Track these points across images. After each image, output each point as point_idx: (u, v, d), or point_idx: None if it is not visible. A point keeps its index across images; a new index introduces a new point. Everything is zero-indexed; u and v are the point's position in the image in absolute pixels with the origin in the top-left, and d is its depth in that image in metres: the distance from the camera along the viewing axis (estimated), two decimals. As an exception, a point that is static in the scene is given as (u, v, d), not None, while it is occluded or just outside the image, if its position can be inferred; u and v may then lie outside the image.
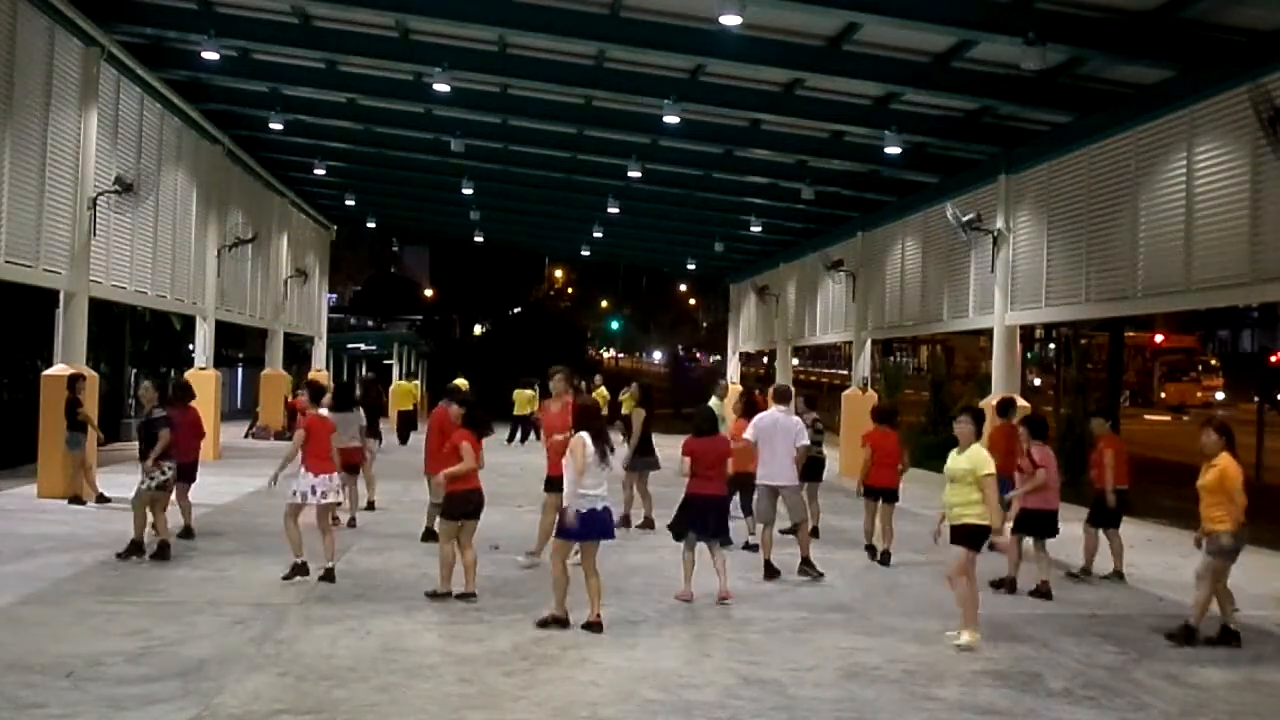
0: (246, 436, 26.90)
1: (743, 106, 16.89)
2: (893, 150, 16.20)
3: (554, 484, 10.04)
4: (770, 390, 11.55)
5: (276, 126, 19.45)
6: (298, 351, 34.93)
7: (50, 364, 15.66)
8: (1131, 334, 46.00)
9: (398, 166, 24.66)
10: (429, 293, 75.26)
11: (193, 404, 11.91)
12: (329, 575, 9.38)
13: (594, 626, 7.95)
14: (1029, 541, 10.18)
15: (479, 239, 36.13)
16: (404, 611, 8.50)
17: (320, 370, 31.58)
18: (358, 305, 66.26)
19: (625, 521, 12.75)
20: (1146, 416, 40.90)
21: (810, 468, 12.36)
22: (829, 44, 13.81)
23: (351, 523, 12.78)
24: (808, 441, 10.87)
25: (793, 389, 13.23)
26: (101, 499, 13.98)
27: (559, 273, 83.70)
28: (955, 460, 8.15)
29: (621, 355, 79.39)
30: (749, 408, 11.97)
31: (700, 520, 9.37)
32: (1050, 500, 10.11)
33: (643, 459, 13.28)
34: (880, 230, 22.33)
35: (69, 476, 14.25)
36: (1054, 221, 15.43)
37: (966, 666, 7.44)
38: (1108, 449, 10.74)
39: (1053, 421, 17.70)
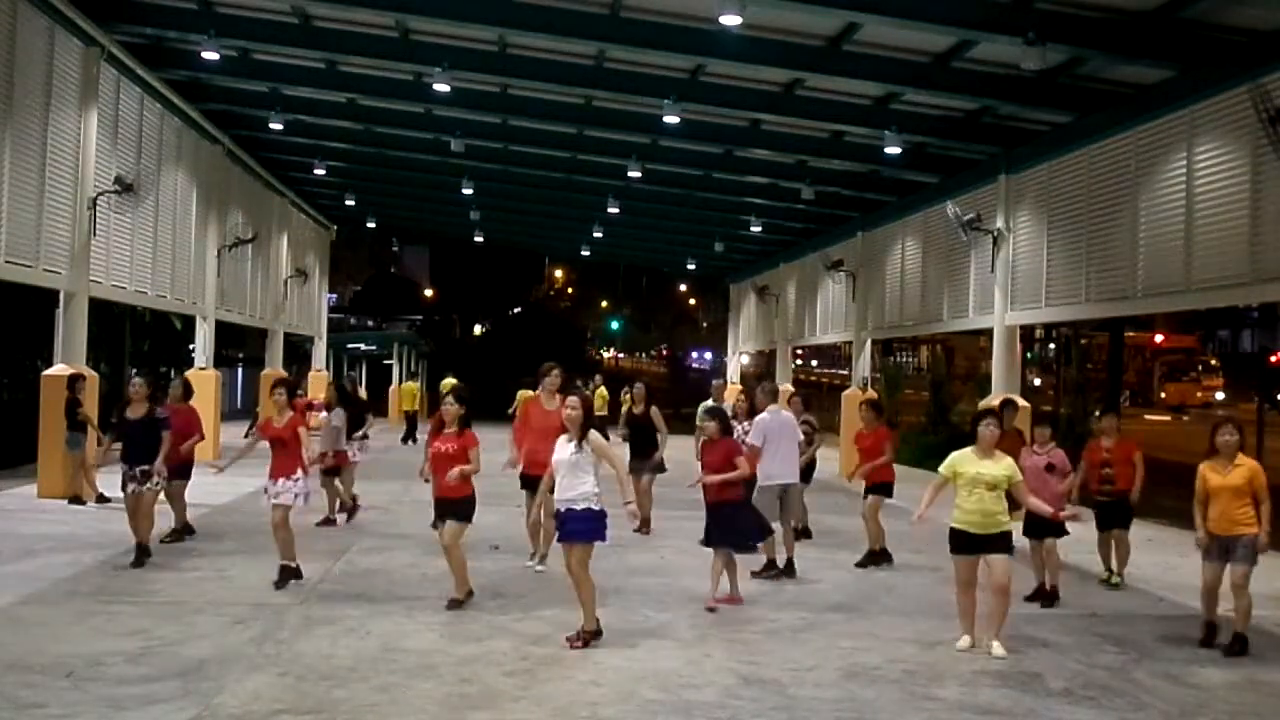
0: (246, 436, 26.87)
1: (743, 106, 16.90)
2: (893, 150, 16.21)
3: (530, 482, 9.89)
4: (760, 389, 11.44)
5: (276, 126, 19.46)
6: (298, 351, 34.97)
7: (50, 364, 15.67)
8: (1131, 334, 46.04)
9: (398, 166, 24.68)
10: (429, 293, 75.37)
11: (184, 404, 11.83)
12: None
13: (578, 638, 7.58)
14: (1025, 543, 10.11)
15: (479, 239, 36.17)
16: (404, 611, 8.49)
17: (320, 370, 31.62)
18: (358, 305, 66.38)
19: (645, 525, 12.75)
20: (1146, 416, 40.92)
21: (802, 471, 12.35)
22: (829, 44, 13.81)
23: (329, 521, 12.84)
24: (801, 437, 10.85)
25: (778, 388, 13.20)
26: (101, 499, 13.97)
27: (559, 273, 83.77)
28: (992, 468, 7.81)
29: (621, 355, 79.41)
30: (750, 410, 11.91)
31: (729, 526, 9.01)
32: (1047, 500, 10.03)
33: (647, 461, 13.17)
34: (880, 230, 22.33)
35: (69, 476, 14.26)
36: (1054, 221, 15.43)
37: (967, 666, 7.43)
38: (1136, 449, 10.59)
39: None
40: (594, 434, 7.75)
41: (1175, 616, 9.26)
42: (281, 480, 9.29)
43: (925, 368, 54.94)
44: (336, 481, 13.19)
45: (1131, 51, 12.24)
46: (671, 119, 15.91)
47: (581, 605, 7.63)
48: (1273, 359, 47.66)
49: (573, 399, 7.84)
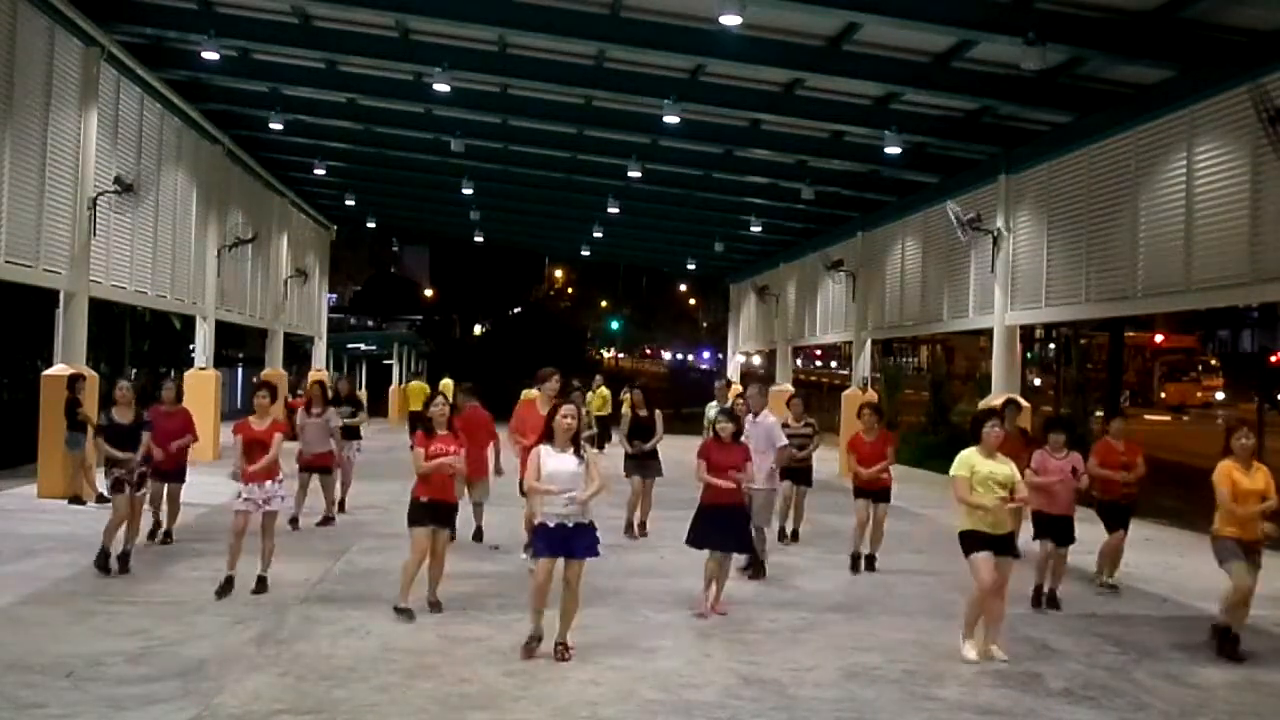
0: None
1: (743, 106, 16.90)
2: (893, 150, 16.21)
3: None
4: (750, 391, 11.33)
5: (276, 126, 19.45)
6: (298, 351, 34.96)
7: (50, 364, 15.66)
8: (1131, 334, 45.99)
9: (398, 166, 24.67)
10: (429, 293, 75.38)
11: (178, 406, 11.67)
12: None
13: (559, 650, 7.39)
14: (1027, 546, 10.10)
15: (479, 239, 36.15)
16: (404, 611, 8.49)
17: (320, 370, 31.60)
18: (358, 305, 66.40)
19: (641, 528, 12.75)
20: (1146, 416, 40.87)
21: (800, 472, 12.33)
22: (829, 44, 13.81)
23: (328, 521, 12.82)
24: (785, 442, 10.58)
25: (765, 391, 13.11)
26: (101, 499, 13.94)
27: (559, 273, 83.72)
28: (999, 467, 7.80)
29: (622, 355, 79.42)
30: (748, 412, 11.84)
31: (721, 531, 8.87)
32: (1065, 505, 9.97)
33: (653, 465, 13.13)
34: (880, 230, 22.33)
35: (69, 476, 14.26)
36: (1054, 221, 15.43)
37: (966, 667, 7.43)
38: (1141, 451, 10.59)
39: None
40: (590, 449, 7.76)
41: (1176, 617, 9.27)
42: (269, 484, 9.10)
43: (925, 368, 54.96)
44: (336, 482, 13.20)
45: (1131, 51, 12.24)
46: (671, 119, 15.90)
47: (567, 616, 7.38)
48: (1273, 359, 47.68)
49: (568, 408, 7.61)
